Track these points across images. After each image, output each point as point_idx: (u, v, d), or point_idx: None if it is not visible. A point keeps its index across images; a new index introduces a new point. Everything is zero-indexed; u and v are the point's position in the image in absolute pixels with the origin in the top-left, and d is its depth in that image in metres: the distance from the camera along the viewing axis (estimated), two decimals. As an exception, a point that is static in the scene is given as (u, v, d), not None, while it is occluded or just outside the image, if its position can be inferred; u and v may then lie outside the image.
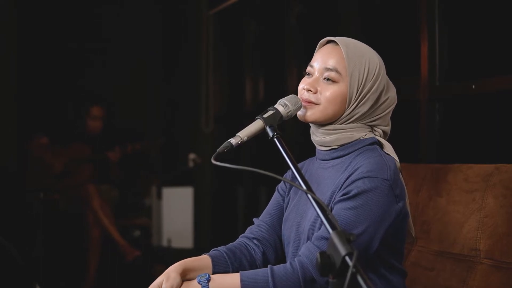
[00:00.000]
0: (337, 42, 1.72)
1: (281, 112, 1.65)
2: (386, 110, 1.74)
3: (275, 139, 1.58)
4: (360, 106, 1.69)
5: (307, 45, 3.91)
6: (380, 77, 1.71)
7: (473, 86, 2.51)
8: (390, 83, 1.78)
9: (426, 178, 2.19)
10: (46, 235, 4.40)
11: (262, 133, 1.62)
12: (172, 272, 1.61)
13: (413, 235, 1.80)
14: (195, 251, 4.83)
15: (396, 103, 1.77)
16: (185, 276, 1.63)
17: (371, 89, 1.69)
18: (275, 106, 1.67)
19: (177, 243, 5.02)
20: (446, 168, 2.16)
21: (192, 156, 5.17)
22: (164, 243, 5.06)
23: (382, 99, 1.72)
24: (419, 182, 2.20)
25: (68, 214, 4.67)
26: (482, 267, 1.92)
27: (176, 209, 5.06)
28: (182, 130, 5.46)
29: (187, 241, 5.02)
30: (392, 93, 1.76)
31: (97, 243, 4.57)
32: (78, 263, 4.61)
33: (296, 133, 3.80)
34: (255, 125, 1.61)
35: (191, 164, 5.18)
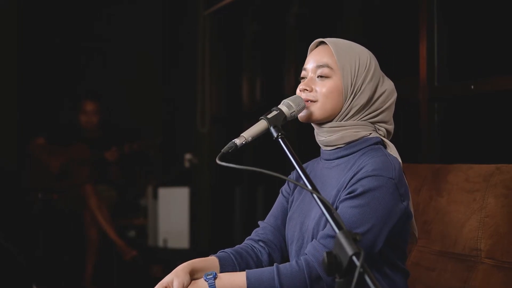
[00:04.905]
0: (326, 41, 1.76)
1: (285, 113, 1.66)
2: (385, 103, 1.75)
3: (279, 140, 1.59)
4: (357, 99, 1.71)
5: (305, 45, 3.90)
6: (373, 69, 1.74)
7: (472, 87, 2.52)
8: (386, 77, 1.79)
9: (427, 178, 2.20)
10: (44, 235, 4.41)
11: (266, 133, 1.62)
12: (181, 271, 1.62)
13: (416, 235, 1.80)
14: (191, 252, 4.83)
15: (395, 97, 1.78)
16: (192, 276, 1.64)
17: (365, 80, 1.72)
18: (279, 106, 1.68)
19: (173, 244, 5.01)
20: (447, 168, 2.16)
21: (188, 156, 5.16)
22: (160, 243, 5.06)
23: (379, 91, 1.74)
24: (420, 182, 2.21)
25: (66, 214, 4.67)
26: (483, 267, 1.92)
27: (172, 209, 5.05)
28: (179, 130, 5.46)
29: (183, 242, 5.01)
30: (389, 86, 1.77)
31: (94, 243, 4.58)
32: (75, 263, 4.62)
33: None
34: (259, 126, 1.62)
35: (187, 164, 5.18)
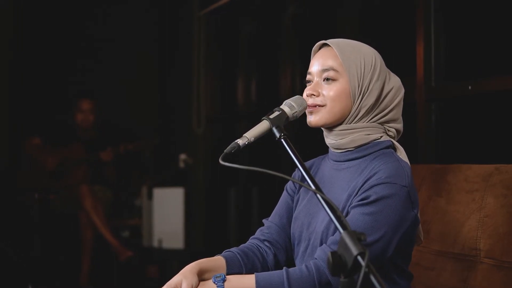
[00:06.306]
0: (329, 43, 1.73)
1: (287, 113, 1.65)
2: (393, 101, 1.73)
3: (282, 140, 1.58)
4: (365, 99, 1.70)
5: (300, 46, 3.92)
6: (379, 67, 1.72)
7: (470, 87, 2.53)
8: (392, 74, 1.78)
9: (426, 178, 2.20)
10: (40, 235, 4.40)
11: (268, 134, 1.61)
12: (189, 272, 1.61)
13: (422, 238, 1.80)
14: (186, 252, 4.83)
15: (403, 93, 1.76)
16: (200, 277, 1.63)
17: (372, 80, 1.70)
18: (281, 106, 1.67)
19: (168, 244, 5.00)
20: (446, 168, 2.17)
21: (183, 156, 5.16)
22: (155, 243, 5.05)
23: (386, 89, 1.72)
24: (418, 182, 2.21)
25: (62, 215, 4.66)
26: (482, 266, 1.93)
27: (167, 209, 5.04)
28: (175, 130, 5.45)
29: (178, 242, 5.00)
30: (396, 83, 1.75)
31: (90, 244, 4.57)
32: (72, 263, 4.61)
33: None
34: (262, 126, 1.61)
35: (181, 164, 5.17)
